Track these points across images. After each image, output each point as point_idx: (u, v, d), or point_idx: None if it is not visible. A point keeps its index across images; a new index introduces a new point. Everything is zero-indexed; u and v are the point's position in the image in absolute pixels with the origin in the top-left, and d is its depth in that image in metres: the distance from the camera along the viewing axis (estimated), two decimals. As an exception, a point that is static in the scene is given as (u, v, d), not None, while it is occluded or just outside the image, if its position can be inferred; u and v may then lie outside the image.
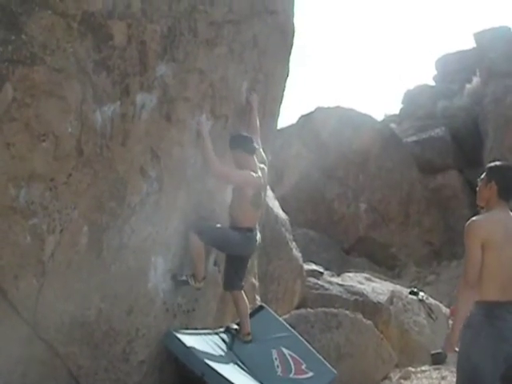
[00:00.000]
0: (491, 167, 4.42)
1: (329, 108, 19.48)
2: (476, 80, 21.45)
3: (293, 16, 7.14)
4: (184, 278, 5.64)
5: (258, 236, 6.07)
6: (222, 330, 6.20)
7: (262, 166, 6.14)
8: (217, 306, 6.48)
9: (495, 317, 4.07)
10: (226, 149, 5.94)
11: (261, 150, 6.25)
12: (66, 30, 4.06)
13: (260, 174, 5.98)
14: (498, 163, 4.49)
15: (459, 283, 4.31)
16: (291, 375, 5.99)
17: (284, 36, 7.00)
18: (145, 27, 4.71)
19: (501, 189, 4.26)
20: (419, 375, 8.31)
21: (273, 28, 6.63)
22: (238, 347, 6.04)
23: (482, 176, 4.39)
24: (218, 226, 5.93)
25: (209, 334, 5.98)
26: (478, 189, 4.44)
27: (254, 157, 6.01)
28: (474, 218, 4.21)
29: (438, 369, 8.51)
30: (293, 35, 7.18)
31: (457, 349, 4.21)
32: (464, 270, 4.19)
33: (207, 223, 5.88)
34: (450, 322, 4.49)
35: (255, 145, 6.02)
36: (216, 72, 5.74)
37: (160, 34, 4.87)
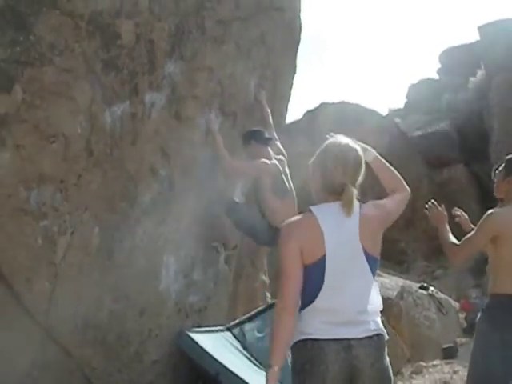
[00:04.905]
0: (510, 160, 4.33)
1: (333, 103, 19.43)
2: (480, 73, 21.35)
3: (299, 12, 7.11)
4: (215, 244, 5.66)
5: None
6: (233, 324, 6.15)
7: (280, 157, 6.01)
8: (228, 303, 6.46)
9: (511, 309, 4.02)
10: (235, 146, 5.89)
11: (278, 143, 6.17)
12: (73, 29, 4.02)
13: (276, 162, 5.81)
14: None
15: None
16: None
17: (291, 32, 6.96)
18: (152, 26, 4.68)
19: None
20: (431, 370, 8.28)
21: (280, 25, 6.60)
22: (250, 343, 6.01)
23: (500, 168, 4.32)
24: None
25: (221, 330, 5.95)
26: (495, 181, 4.37)
27: (269, 148, 5.88)
28: (491, 211, 4.13)
29: (449, 363, 8.49)
30: (300, 32, 7.14)
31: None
32: (446, 251, 4.23)
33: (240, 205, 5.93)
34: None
35: (267, 135, 5.90)
36: (224, 69, 5.70)
37: (168, 33, 4.84)
